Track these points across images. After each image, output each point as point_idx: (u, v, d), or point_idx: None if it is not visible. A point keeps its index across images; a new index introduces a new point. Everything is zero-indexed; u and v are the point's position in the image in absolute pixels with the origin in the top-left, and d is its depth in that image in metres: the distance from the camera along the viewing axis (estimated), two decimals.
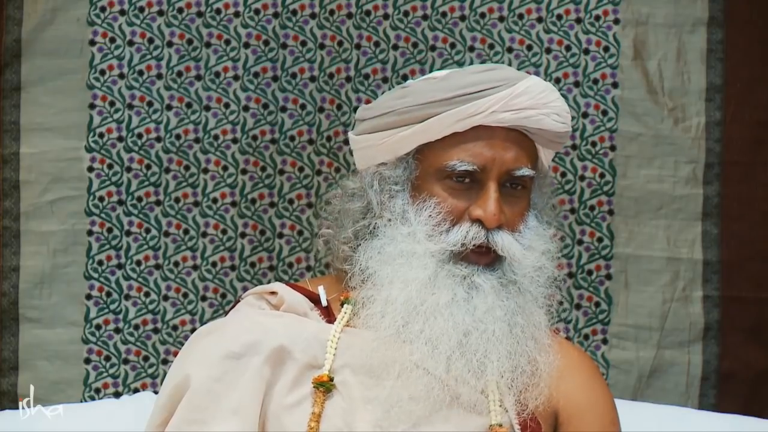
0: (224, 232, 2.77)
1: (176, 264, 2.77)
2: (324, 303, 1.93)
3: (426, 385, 1.82)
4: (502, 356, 1.83)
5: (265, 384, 1.83)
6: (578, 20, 2.77)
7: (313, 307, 1.93)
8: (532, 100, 1.88)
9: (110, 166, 2.76)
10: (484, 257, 1.85)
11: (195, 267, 2.77)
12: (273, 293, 1.95)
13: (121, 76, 2.76)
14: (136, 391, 2.74)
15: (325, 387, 1.83)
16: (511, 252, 1.86)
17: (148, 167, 2.76)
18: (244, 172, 2.77)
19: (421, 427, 1.82)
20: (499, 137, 1.87)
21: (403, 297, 1.84)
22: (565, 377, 1.92)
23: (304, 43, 2.76)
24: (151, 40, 2.76)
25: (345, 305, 1.91)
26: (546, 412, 1.89)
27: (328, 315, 1.92)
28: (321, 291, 1.94)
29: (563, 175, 2.77)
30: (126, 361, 2.77)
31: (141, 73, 2.76)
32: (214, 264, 2.77)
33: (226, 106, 2.76)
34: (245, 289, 2.72)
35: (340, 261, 1.94)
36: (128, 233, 2.77)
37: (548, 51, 2.77)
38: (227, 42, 2.76)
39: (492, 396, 1.85)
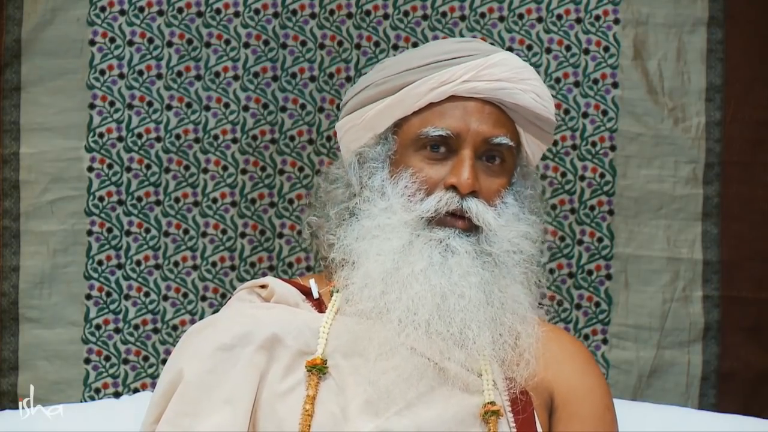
0: (224, 232, 2.77)
1: (176, 264, 2.77)
2: (315, 295, 1.94)
3: (418, 366, 1.83)
4: (482, 325, 1.83)
5: (258, 373, 1.84)
6: (578, 20, 2.77)
7: (304, 299, 1.94)
8: (508, 72, 1.90)
9: (110, 166, 2.76)
10: (460, 221, 1.86)
11: (195, 267, 2.77)
12: (263, 287, 1.96)
13: (121, 76, 2.76)
14: (136, 391, 2.74)
15: (318, 369, 1.84)
16: (486, 221, 1.86)
17: (148, 167, 2.76)
18: (244, 172, 2.77)
19: (415, 407, 1.82)
20: (474, 107, 1.89)
21: (379, 268, 1.85)
22: (560, 363, 1.93)
23: (304, 43, 2.76)
24: (151, 40, 2.76)
25: (334, 293, 1.92)
26: (539, 391, 1.90)
27: (320, 307, 1.93)
28: (312, 283, 1.96)
29: (563, 175, 2.77)
30: (126, 361, 2.77)
31: (141, 73, 2.76)
32: (214, 264, 2.77)
33: (226, 106, 2.76)
34: None
35: (326, 249, 1.95)
36: (128, 233, 2.77)
37: (548, 51, 2.77)
38: (227, 42, 2.76)
39: (485, 375, 1.85)
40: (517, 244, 1.89)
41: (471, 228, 1.87)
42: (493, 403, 1.84)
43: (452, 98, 1.89)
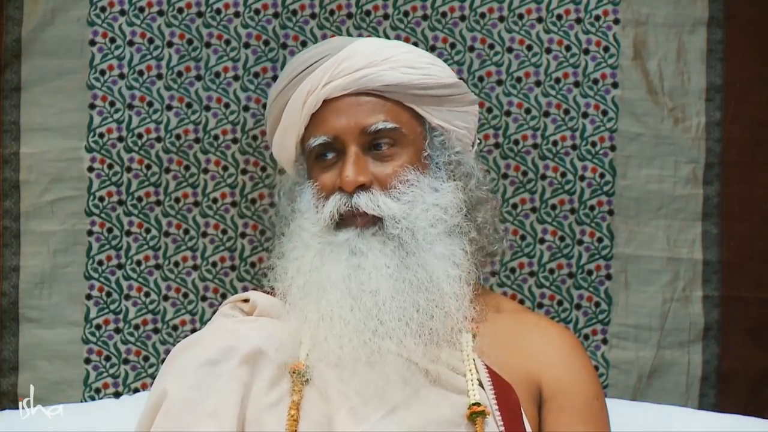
0: (224, 232, 2.77)
1: (176, 264, 2.77)
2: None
3: (402, 370, 1.83)
4: (395, 314, 1.83)
5: (242, 386, 1.84)
6: (578, 20, 2.77)
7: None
8: (364, 59, 1.90)
9: (110, 166, 2.76)
10: (359, 218, 1.87)
11: (195, 267, 2.77)
12: (246, 301, 1.97)
13: (121, 76, 2.76)
14: (136, 391, 2.74)
15: (299, 374, 1.84)
16: (383, 209, 1.87)
17: (148, 167, 2.76)
18: (244, 172, 2.77)
19: (401, 410, 1.82)
20: (347, 104, 1.90)
21: (300, 281, 1.88)
22: (545, 353, 1.93)
23: (304, 43, 2.76)
24: (151, 40, 2.76)
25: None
26: (526, 385, 1.90)
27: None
28: None
29: (563, 175, 2.77)
30: (126, 361, 2.77)
31: (141, 73, 2.76)
32: (214, 264, 2.77)
33: (226, 106, 2.76)
34: (245, 289, 2.72)
35: None
36: (128, 233, 2.77)
37: (548, 51, 2.77)
38: (227, 42, 2.76)
39: (469, 375, 1.85)
40: (430, 218, 1.89)
41: (372, 221, 1.88)
42: (478, 404, 1.83)
43: (326, 103, 1.91)
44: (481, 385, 1.86)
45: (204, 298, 2.77)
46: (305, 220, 1.92)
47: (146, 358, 2.77)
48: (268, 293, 1.98)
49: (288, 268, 1.92)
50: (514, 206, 2.77)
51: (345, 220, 1.89)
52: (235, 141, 2.76)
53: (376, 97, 1.91)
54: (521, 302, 2.73)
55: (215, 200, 2.77)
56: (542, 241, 2.78)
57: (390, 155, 1.90)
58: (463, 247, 1.91)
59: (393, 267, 1.85)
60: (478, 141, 2.08)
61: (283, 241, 1.96)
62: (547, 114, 2.77)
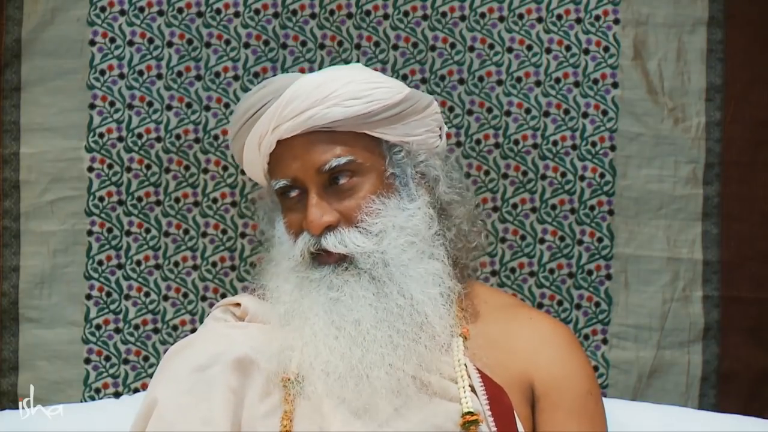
0: (224, 232, 2.77)
1: (176, 264, 2.77)
2: None
3: (395, 380, 1.82)
4: (382, 342, 1.83)
5: (233, 394, 1.84)
6: (578, 20, 2.77)
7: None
8: (307, 101, 1.89)
9: (110, 166, 2.76)
10: (331, 257, 1.87)
11: (195, 267, 2.77)
12: (237, 305, 1.97)
13: (121, 76, 2.76)
14: (136, 391, 2.74)
15: (292, 384, 1.84)
16: (350, 247, 1.86)
17: (148, 167, 2.76)
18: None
19: (394, 421, 1.82)
20: (299, 144, 1.89)
21: (281, 310, 1.89)
22: (537, 351, 1.91)
23: (304, 43, 2.76)
24: (151, 40, 2.76)
25: None
26: (519, 385, 1.89)
27: None
28: None
29: (563, 175, 2.77)
30: (126, 361, 2.77)
31: (141, 73, 2.76)
32: (214, 264, 2.77)
33: (226, 106, 2.76)
34: (245, 289, 2.72)
35: None
36: (128, 233, 2.77)
37: (548, 51, 2.77)
38: (227, 42, 2.76)
39: (461, 382, 1.85)
40: (402, 244, 1.88)
41: (343, 257, 1.87)
42: (471, 413, 1.83)
43: (280, 143, 1.91)
44: (473, 390, 1.85)
45: (204, 298, 2.77)
46: (280, 253, 1.92)
47: (146, 358, 2.77)
48: (259, 295, 1.97)
49: (272, 291, 1.92)
50: (514, 206, 2.77)
51: (318, 258, 1.89)
52: None
53: (327, 132, 1.89)
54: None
55: (215, 200, 2.77)
56: (542, 241, 2.78)
57: (351, 187, 1.89)
58: (441, 258, 1.90)
59: (371, 297, 1.85)
60: (446, 129, 2.04)
61: (268, 260, 1.97)
62: (547, 114, 2.77)
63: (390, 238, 1.87)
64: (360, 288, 1.85)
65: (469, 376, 1.86)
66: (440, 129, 2.00)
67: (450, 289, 1.89)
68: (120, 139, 2.76)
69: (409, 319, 1.85)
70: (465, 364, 1.86)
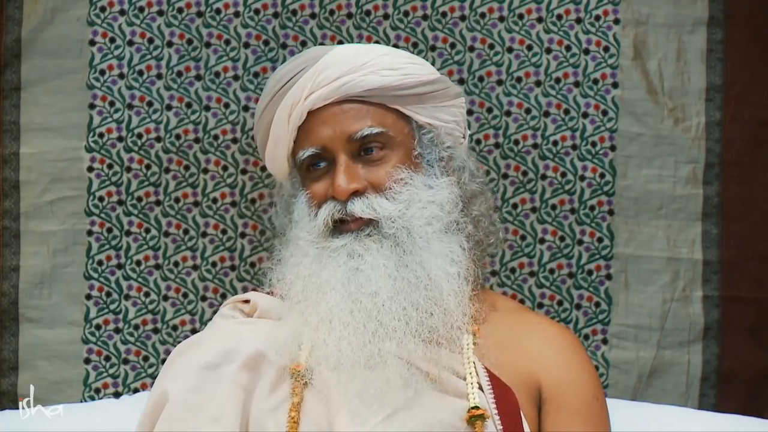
0: (224, 232, 2.77)
1: (176, 264, 2.77)
2: None
3: (403, 373, 1.83)
4: (396, 314, 1.84)
5: (243, 391, 1.84)
6: (578, 20, 2.77)
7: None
8: (342, 67, 1.91)
9: (110, 166, 2.76)
10: (355, 223, 1.89)
11: (195, 267, 2.77)
12: (246, 302, 1.97)
13: (121, 76, 2.76)
14: (136, 391, 2.74)
15: (300, 375, 1.84)
16: (378, 210, 1.88)
17: (148, 167, 2.76)
18: (244, 172, 2.77)
19: (401, 414, 1.82)
20: (332, 113, 1.91)
21: (298, 286, 1.89)
22: (544, 354, 1.93)
23: (304, 43, 2.76)
24: (151, 40, 2.76)
25: None
26: (526, 386, 1.90)
27: None
28: None
29: (563, 175, 2.77)
30: (126, 361, 2.77)
31: (141, 73, 2.76)
32: (214, 264, 2.77)
33: (226, 106, 2.76)
34: (245, 289, 2.72)
35: None
36: (128, 233, 2.77)
37: (548, 51, 2.77)
38: (227, 42, 2.76)
39: (469, 378, 1.86)
40: (427, 216, 1.90)
41: (367, 223, 1.89)
42: (477, 408, 1.84)
43: (311, 114, 1.92)
44: (481, 388, 1.86)
45: (204, 298, 2.77)
46: (300, 229, 1.93)
47: (146, 358, 2.77)
48: (269, 293, 1.98)
49: (286, 273, 1.93)
50: (514, 206, 2.77)
51: (340, 227, 1.90)
52: (234, 141, 2.76)
53: (360, 102, 1.91)
54: (521, 302, 2.73)
55: (215, 200, 2.77)
56: (542, 241, 2.78)
57: (380, 158, 1.91)
58: (461, 243, 1.92)
59: (391, 266, 1.86)
60: (469, 132, 2.08)
61: (281, 250, 1.97)
62: (547, 114, 2.77)
63: (415, 208, 1.89)
64: (381, 256, 1.86)
65: (478, 374, 1.87)
66: (464, 126, 2.03)
67: (467, 272, 1.90)
68: (120, 139, 2.76)
69: (424, 292, 1.86)
70: (474, 362, 1.88)
